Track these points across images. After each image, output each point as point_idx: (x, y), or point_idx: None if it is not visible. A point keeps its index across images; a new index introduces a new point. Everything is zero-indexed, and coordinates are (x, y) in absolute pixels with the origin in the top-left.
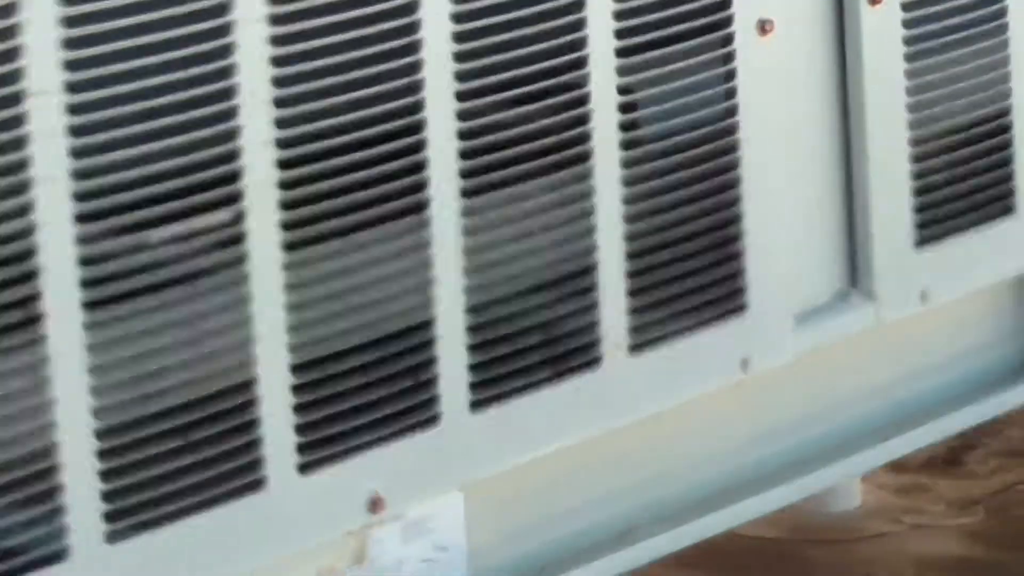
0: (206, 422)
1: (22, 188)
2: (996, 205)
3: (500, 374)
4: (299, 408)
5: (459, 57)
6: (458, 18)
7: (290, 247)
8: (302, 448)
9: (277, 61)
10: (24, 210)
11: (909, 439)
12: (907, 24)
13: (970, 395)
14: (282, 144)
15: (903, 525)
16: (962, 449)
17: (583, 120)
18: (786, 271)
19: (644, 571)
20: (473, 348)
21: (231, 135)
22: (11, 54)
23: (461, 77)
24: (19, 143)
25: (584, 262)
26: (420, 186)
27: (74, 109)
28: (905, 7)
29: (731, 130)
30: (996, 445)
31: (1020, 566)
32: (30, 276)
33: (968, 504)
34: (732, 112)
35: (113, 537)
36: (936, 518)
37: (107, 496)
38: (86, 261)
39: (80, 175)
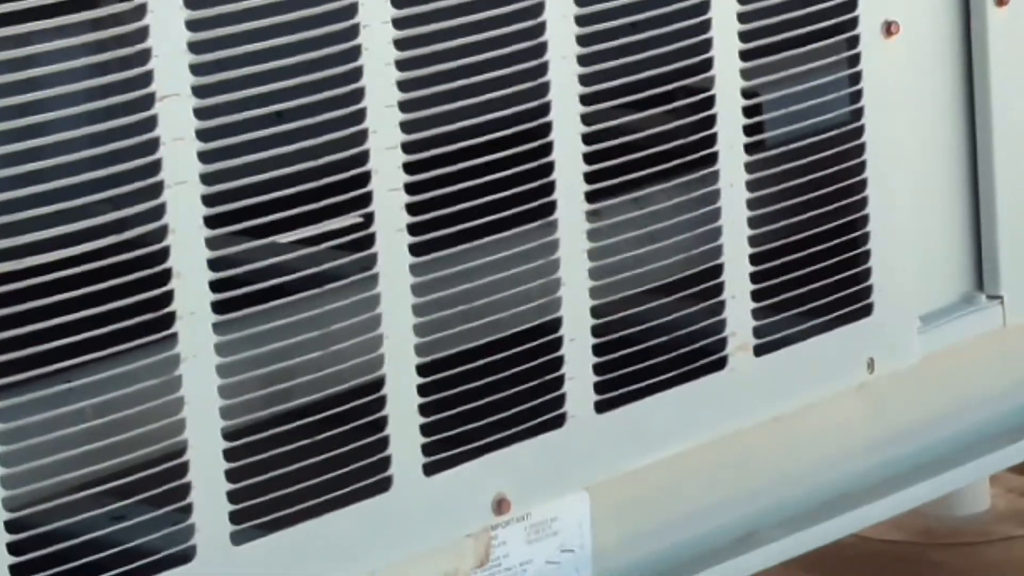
0: (333, 423)
1: (154, 191)
2: None
3: (625, 375)
4: (425, 409)
5: (584, 60)
6: (583, 21)
7: (417, 250)
8: (428, 449)
9: (403, 65)
10: (156, 213)
11: None
12: None
13: None
14: (409, 148)
15: None
16: None
17: (708, 123)
18: (912, 273)
19: (768, 573)
20: (599, 350)
21: (359, 139)
22: (141, 57)
23: (586, 80)
24: (151, 146)
25: (710, 264)
26: (546, 189)
27: (202, 113)
28: None
29: (857, 133)
30: None
31: None
32: (162, 278)
33: None
34: (858, 115)
35: (239, 538)
36: None
37: (233, 496)
38: (216, 264)
39: (209, 179)
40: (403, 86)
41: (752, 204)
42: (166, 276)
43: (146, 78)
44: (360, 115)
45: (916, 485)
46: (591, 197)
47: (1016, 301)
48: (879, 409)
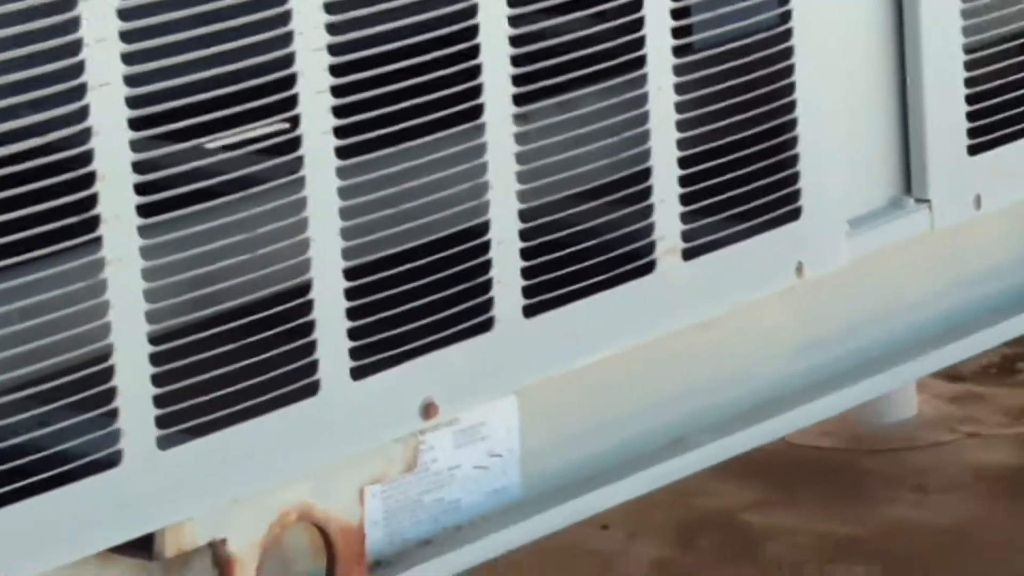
0: (259, 327)
1: (77, 93)
2: None
3: (554, 279)
4: (352, 313)
5: None
6: None
7: (344, 153)
8: (355, 353)
9: None
10: (80, 116)
11: (963, 345)
12: None
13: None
14: (335, 50)
15: (959, 434)
16: (1017, 358)
17: (636, 26)
18: (840, 177)
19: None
20: (527, 253)
21: (285, 40)
22: None
23: None
24: (73, 48)
25: (638, 168)
26: (474, 92)
27: (125, 14)
28: None
29: (785, 36)
30: None
31: None
32: (86, 181)
33: (1023, 413)
34: (786, 18)
35: (165, 442)
36: (992, 427)
37: (160, 401)
38: (140, 167)
39: (133, 81)
40: None
41: (680, 107)
42: (90, 179)
43: None
44: (286, 16)
45: (845, 389)
46: (519, 100)
47: (944, 205)
48: (807, 313)
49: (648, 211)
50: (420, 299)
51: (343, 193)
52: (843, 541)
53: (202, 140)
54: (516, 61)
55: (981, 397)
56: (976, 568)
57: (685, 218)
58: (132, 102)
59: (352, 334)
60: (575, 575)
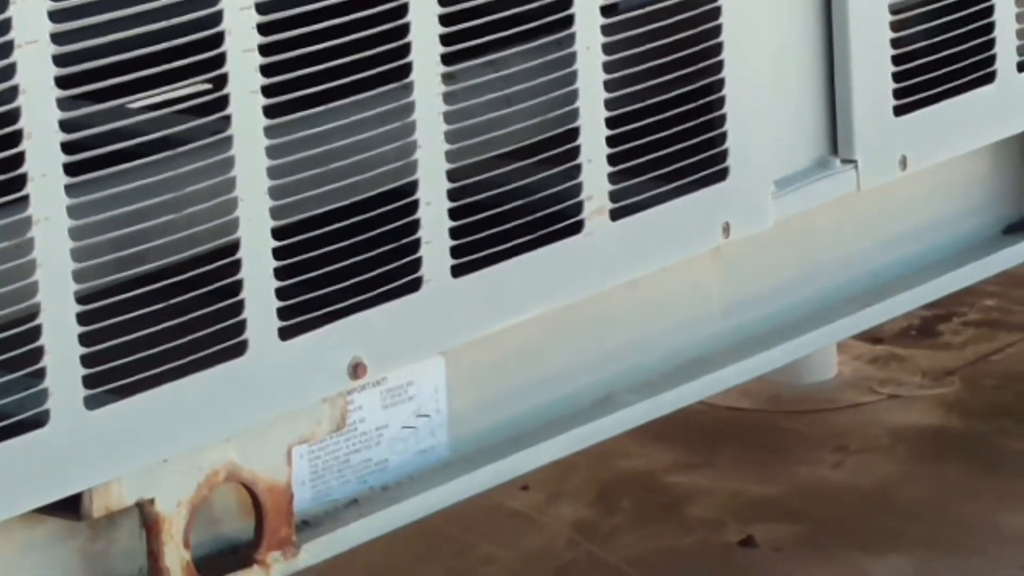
0: (187, 287)
1: (4, 51)
2: (975, 73)
3: (482, 239)
4: (280, 273)
5: None
6: None
7: (272, 112)
8: (283, 313)
9: None
10: (6, 73)
11: (887, 306)
12: None
13: (948, 262)
14: (262, 8)
15: (879, 395)
16: (937, 320)
17: None
18: (767, 138)
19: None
20: (455, 213)
21: None
22: None
23: None
24: (0, 5)
25: (566, 128)
26: (402, 52)
27: None
28: None
29: None
30: (970, 315)
31: (994, 436)
32: (13, 139)
33: (943, 375)
34: None
35: (93, 402)
36: (912, 389)
37: (87, 360)
38: (68, 126)
39: (60, 39)
40: None
41: (608, 67)
42: (17, 137)
43: None
44: None
45: (770, 349)
46: (446, 59)
47: (870, 165)
48: (733, 274)
49: (576, 171)
50: (348, 259)
51: (271, 152)
52: (764, 502)
53: (130, 99)
54: (444, 20)
55: (901, 359)
56: (896, 528)
57: (613, 178)
58: (59, 60)
59: (280, 294)
60: (497, 536)
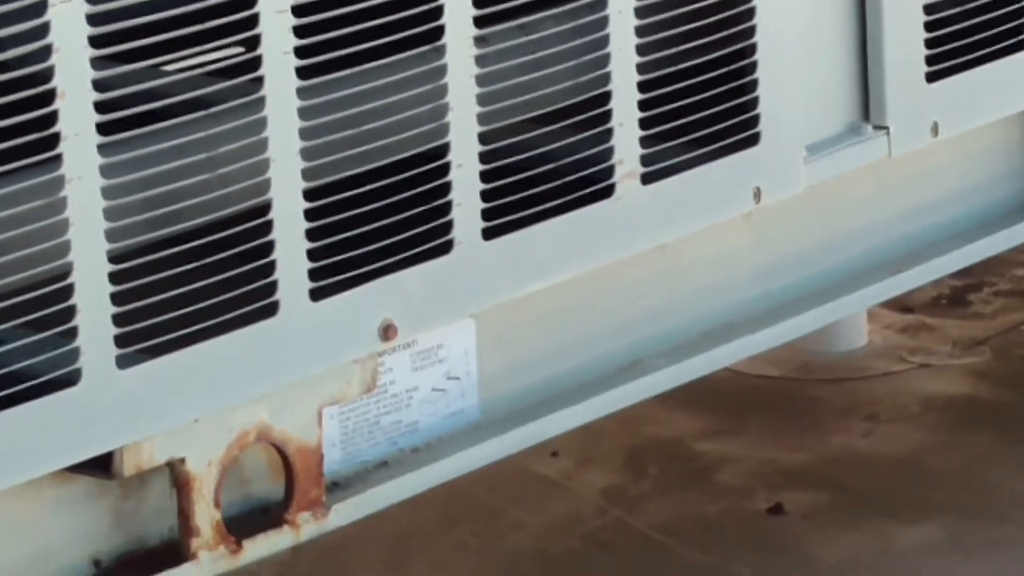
0: (220, 247)
1: (39, 10)
2: (1007, 40)
3: (513, 202)
4: (312, 234)
5: None
6: None
7: (305, 74)
8: (315, 274)
9: None
10: (39, 32)
11: (918, 272)
12: None
13: (979, 229)
14: None
15: (909, 364)
16: (967, 289)
17: None
18: (799, 103)
19: (646, 407)
20: (487, 176)
21: None
22: None
23: None
24: None
25: (598, 91)
26: (435, 14)
27: None
28: None
29: None
30: (1001, 285)
31: None
32: (45, 98)
33: (973, 344)
34: None
35: (124, 361)
36: (942, 358)
37: (119, 319)
38: (101, 85)
39: None
40: None
41: (640, 31)
42: (50, 96)
43: None
44: None
45: (800, 315)
46: (479, 23)
47: (902, 132)
48: (764, 239)
49: (607, 135)
50: (380, 221)
51: (303, 114)
52: (792, 469)
53: (163, 59)
54: None
55: (931, 328)
56: (925, 496)
57: (644, 142)
58: (93, 19)
59: (312, 255)
60: (525, 501)
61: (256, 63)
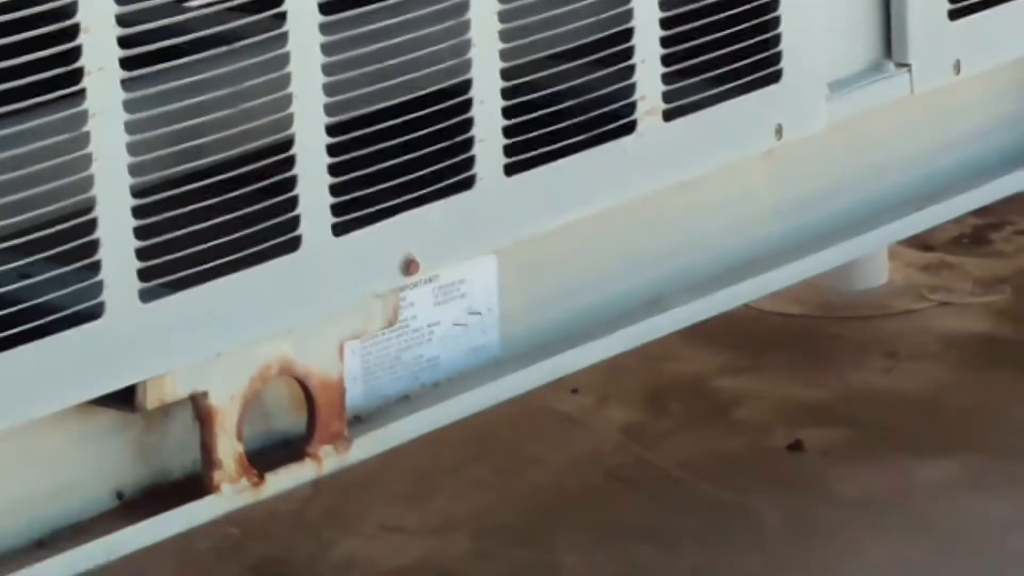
0: (242, 181)
1: None
2: None
3: (535, 138)
4: (335, 169)
5: None
6: None
7: (327, 9)
8: (337, 209)
9: None
10: None
11: (939, 210)
12: None
13: (1001, 167)
14: None
15: (929, 302)
16: (988, 228)
17: None
18: (821, 40)
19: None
20: (509, 112)
21: None
22: None
23: None
24: None
25: (620, 28)
26: None
27: None
28: None
29: None
30: (1022, 224)
31: None
32: (69, 33)
33: (994, 282)
34: None
35: (147, 295)
36: (962, 296)
37: (142, 254)
38: (124, 20)
39: None
40: None
41: None
42: (74, 31)
43: None
44: None
45: (821, 251)
46: None
47: (924, 69)
48: (785, 176)
49: (630, 71)
50: (402, 156)
51: (326, 49)
52: (812, 406)
53: None
54: None
55: (952, 266)
56: (944, 434)
57: (666, 79)
58: None
59: (334, 190)
60: (546, 438)
61: None
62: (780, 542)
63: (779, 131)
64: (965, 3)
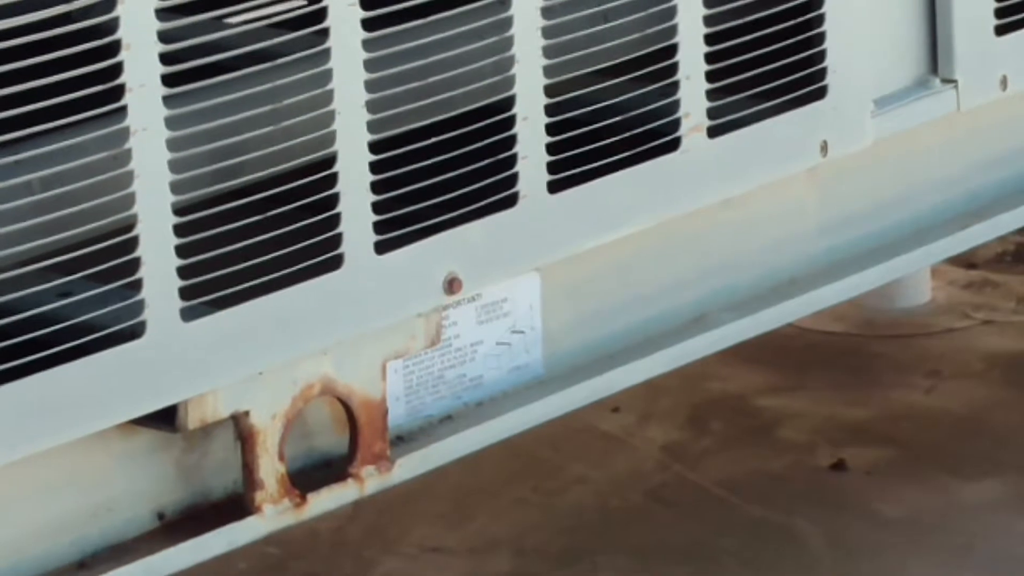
0: (284, 199)
1: None
2: None
3: (579, 155)
4: (377, 187)
5: None
6: None
7: (370, 25)
8: (379, 227)
9: None
10: None
11: (985, 228)
12: None
13: None
14: None
15: (972, 321)
16: None
17: None
18: (866, 56)
19: (710, 363)
20: (552, 129)
21: None
22: None
23: None
24: None
25: (664, 44)
26: None
27: None
28: None
29: None
30: None
31: None
32: (110, 49)
33: None
34: None
35: (189, 314)
36: (1006, 314)
37: (184, 272)
38: (166, 37)
39: None
40: None
41: None
42: (115, 47)
43: None
44: None
45: (865, 271)
46: None
47: (970, 85)
48: (830, 193)
49: (673, 88)
50: (445, 174)
51: (368, 66)
52: (854, 425)
53: (229, 10)
54: None
55: (995, 284)
56: (988, 453)
57: (710, 95)
58: None
59: (377, 208)
60: (587, 457)
61: (321, 15)
62: (823, 562)
63: (824, 148)
64: (1012, 19)
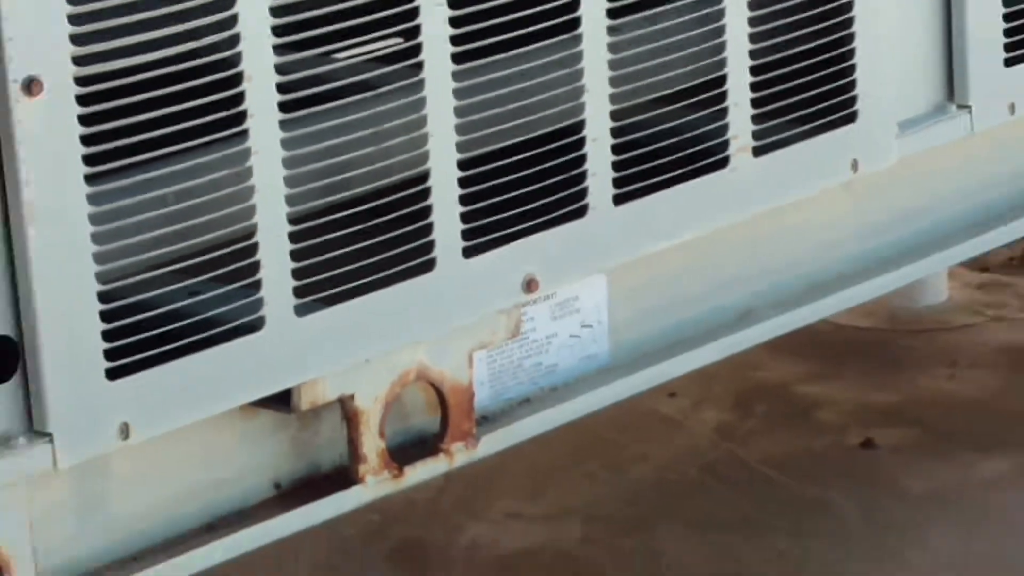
0: (384, 210)
1: (227, 2)
2: None
3: (640, 172)
4: (465, 199)
5: None
6: None
7: (459, 59)
8: (467, 234)
9: None
10: (229, 23)
11: (997, 234)
12: None
13: None
14: None
15: (985, 317)
16: None
17: None
18: (892, 85)
19: (758, 355)
20: (617, 149)
21: None
22: None
23: None
24: None
25: (715, 75)
26: (573, 6)
27: None
28: None
29: None
30: None
31: None
32: (234, 80)
33: None
34: None
35: (302, 310)
36: (1014, 312)
37: (297, 274)
38: (282, 69)
39: None
40: None
41: (753, 21)
42: (238, 79)
43: None
44: None
45: (892, 272)
46: (612, 14)
47: (983, 110)
48: (862, 205)
49: (723, 113)
50: (524, 188)
51: (458, 94)
52: (884, 409)
53: (336, 46)
54: None
55: (1005, 285)
56: (1000, 432)
57: (756, 119)
58: (276, 11)
59: (464, 218)
60: (648, 437)
61: (416, 50)
62: (856, 531)
63: (855, 165)
64: (1019, 52)
